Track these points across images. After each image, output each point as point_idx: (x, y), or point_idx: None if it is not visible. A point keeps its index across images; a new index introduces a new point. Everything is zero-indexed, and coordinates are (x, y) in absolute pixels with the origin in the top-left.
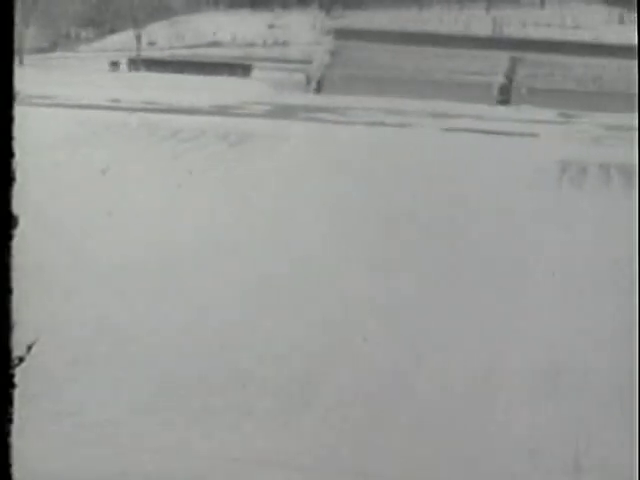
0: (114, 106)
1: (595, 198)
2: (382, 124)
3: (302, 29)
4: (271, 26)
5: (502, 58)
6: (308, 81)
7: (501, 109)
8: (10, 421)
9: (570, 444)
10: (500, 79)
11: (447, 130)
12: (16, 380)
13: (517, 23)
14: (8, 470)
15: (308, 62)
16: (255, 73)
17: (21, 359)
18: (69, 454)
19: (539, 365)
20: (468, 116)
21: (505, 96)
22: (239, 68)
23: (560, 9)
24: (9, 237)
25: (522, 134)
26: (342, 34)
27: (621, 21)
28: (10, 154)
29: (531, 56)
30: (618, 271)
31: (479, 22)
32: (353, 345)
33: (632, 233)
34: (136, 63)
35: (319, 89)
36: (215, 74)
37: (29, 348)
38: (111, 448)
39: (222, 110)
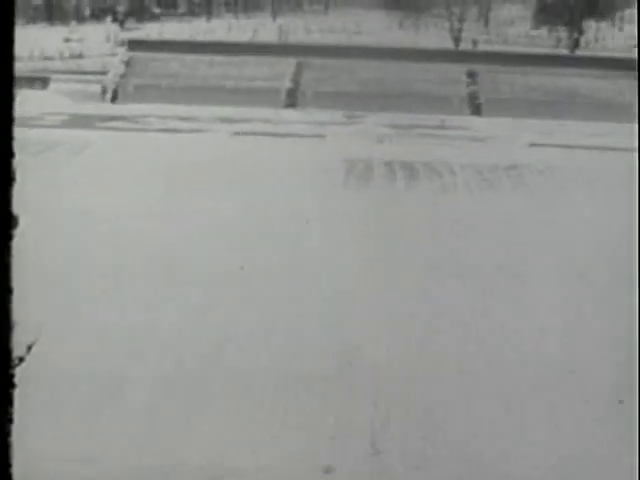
0: None
1: (380, 193)
2: (175, 130)
3: (97, 42)
4: (67, 40)
5: (289, 64)
6: (104, 91)
7: (288, 112)
8: (10, 421)
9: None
10: (287, 84)
11: (237, 134)
12: (16, 380)
13: (302, 30)
14: (8, 470)
15: (104, 73)
16: (53, 85)
17: (21, 359)
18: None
19: None
20: (257, 120)
21: (292, 100)
22: (38, 81)
23: (343, 15)
24: (9, 237)
25: (309, 135)
26: (135, 45)
27: (401, 26)
28: (10, 154)
29: (317, 61)
30: (400, 261)
31: (266, 30)
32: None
33: (413, 223)
34: None
35: (114, 99)
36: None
37: (29, 348)
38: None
39: (22, 122)
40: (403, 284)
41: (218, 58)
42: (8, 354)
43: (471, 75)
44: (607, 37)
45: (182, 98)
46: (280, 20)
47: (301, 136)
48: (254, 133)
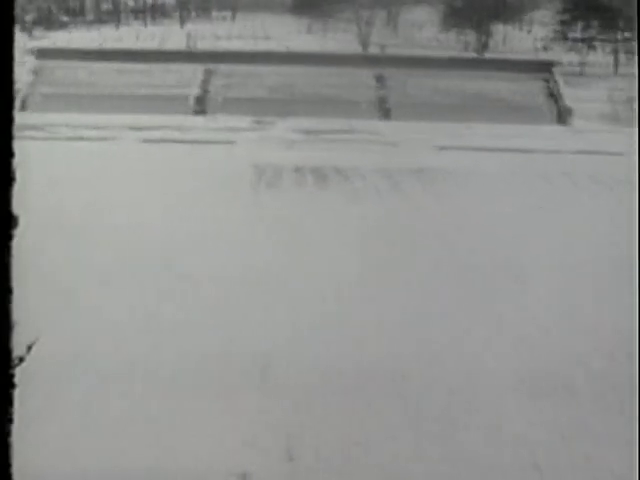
0: None
1: (290, 199)
2: (82, 138)
3: None
4: None
5: (197, 70)
6: None
7: (198, 119)
8: (10, 421)
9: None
10: (196, 90)
11: (146, 141)
12: (16, 380)
13: (210, 36)
14: (8, 470)
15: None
16: None
17: (21, 359)
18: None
19: None
20: (166, 127)
21: (201, 106)
22: None
23: (251, 21)
24: (9, 237)
25: (219, 142)
26: (43, 53)
27: (309, 31)
28: (10, 154)
29: (225, 67)
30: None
31: (174, 37)
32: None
33: (322, 229)
34: None
35: (23, 108)
36: None
37: (29, 348)
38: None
39: None
40: (308, 290)
41: (126, 66)
42: (8, 354)
43: (380, 79)
44: (515, 40)
45: (91, 106)
46: (188, 27)
47: (210, 142)
48: (163, 140)
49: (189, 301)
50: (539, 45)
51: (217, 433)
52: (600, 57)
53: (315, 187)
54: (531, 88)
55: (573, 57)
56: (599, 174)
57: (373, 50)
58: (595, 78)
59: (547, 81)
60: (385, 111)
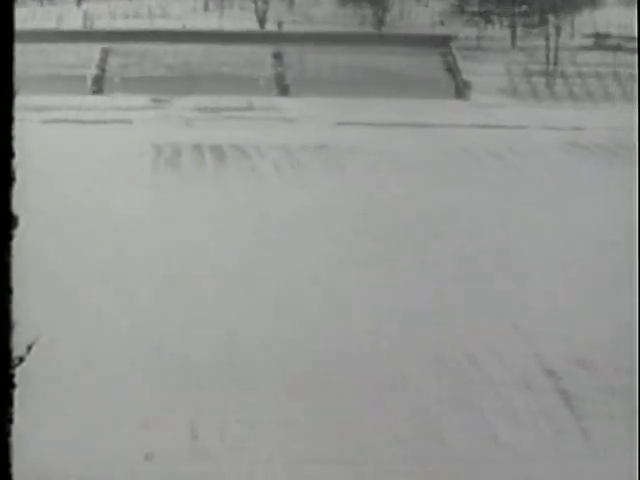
0: None
1: (189, 177)
2: None
3: None
4: None
5: (94, 50)
6: None
7: (95, 99)
8: (10, 421)
9: None
10: (93, 70)
11: (46, 122)
12: (16, 380)
13: (107, 16)
14: (8, 470)
15: None
16: None
17: (21, 359)
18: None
19: None
20: (65, 107)
21: (99, 86)
22: None
23: (147, 0)
24: (9, 237)
25: (117, 121)
26: None
27: (206, 9)
28: (10, 154)
29: (122, 46)
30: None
31: (71, 16)
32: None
33: (222, 206)
34: None
35: None
36: None
37: (29, 348)
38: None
39: None
40: (206, 267)
41: (24, 46)
42: (8, 354)
43: (277, 56)
44: (412, 14)
45: None
46: (85, 6)
47: (109, 122)
48: (64, 120)
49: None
50: (436, 19)
51: (120, 415)
52: (497, 31)
53: (214, 165)
54: (429, 63)
55: (471, 31)
56: (499, 148)
57: (270, 27)
58: (493, 52)
59: (445, 55)
60: (283, 88)
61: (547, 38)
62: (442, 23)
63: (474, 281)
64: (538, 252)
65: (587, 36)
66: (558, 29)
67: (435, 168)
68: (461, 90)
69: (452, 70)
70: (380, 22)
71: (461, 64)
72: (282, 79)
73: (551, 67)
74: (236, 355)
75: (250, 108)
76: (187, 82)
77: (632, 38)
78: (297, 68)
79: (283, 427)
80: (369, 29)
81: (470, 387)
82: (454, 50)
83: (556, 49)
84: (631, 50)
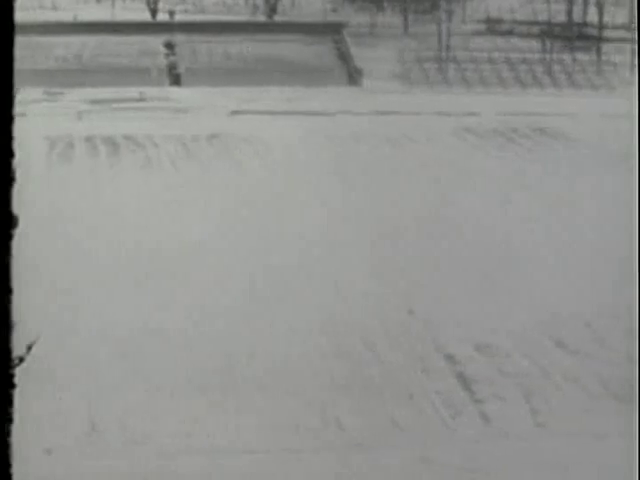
0: None
1: (82, 169)
2: None
3: None
4: None
5: None
6: None
7: None
8: (10, 421)
9: None
10: None
11: None
12: (16, 380)
13: None
14: (8, 470)
15: None
16: None
17: (21, 359)
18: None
19: None
20: None
21: None
22: None
23: None
24: (9, 237)
25: None
26: None
27: (98, 0)
28: (10, 154)
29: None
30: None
31: None
32: None
33: (116, 199)
34: None
35: None
36: None
37: (29, 348)
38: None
39: None
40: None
41: None
42: (8, 354)
43: (169, 46)
44: (304, 2)
45: None
46: None
47: None
48: None
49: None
50: (328, 7)
51: (24, 409)
52: (389, 17)
53: (108, 157)
54: (322, 50)
55: (363, 18)
56: (393, 134)
57: (162, 17)
58: (385, 38)
59: (337, 43)
60: (175, 77)
61: (439, 24)
62: (334, 10)
63: (368, 266)
64: (433, 237)
65: (479, 21)
66: (450, 14)
67: (327, 156)
68: (353, 77)
69: (344, 57)
70: (272, 10)
71: (353, 51)
72: (174, 69)
73: (443, 53)
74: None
75: (142, 99)
76: (80, 74)
77: (524, 22)
78: (189, 58)
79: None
80: (261, 18)
81: (367, 371)
82: (346, 37)
83: (448, 35)
84: (523, 35)
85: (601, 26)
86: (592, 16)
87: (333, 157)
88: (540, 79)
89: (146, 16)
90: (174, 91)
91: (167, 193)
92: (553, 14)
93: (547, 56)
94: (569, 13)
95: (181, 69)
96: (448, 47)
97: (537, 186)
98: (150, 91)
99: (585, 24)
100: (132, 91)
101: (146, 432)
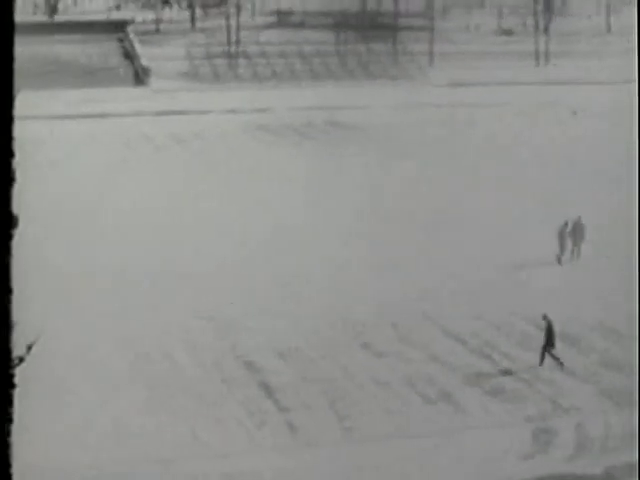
0: None
1: None
2: None
3: None
4: None
5: None
6: None
7: None
8: (10, 421)
9: None
10: None
11: None
12: (16, 380)
13: None
14: (8, 470)
15: None
16: None
17: (21, 359)
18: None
19: None
20: None
21: None
22: None
23: None
24: (9, 237)
25: None
26: None
27: None
28: (10, 154)
29: None
30: None
31: None
32: None
33: None
34: None
35: None
36: None
37: (29, 348)
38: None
39: None
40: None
41: None
42: (8, 354)
43: None
44: (86, 0)
45: None
46: None
47: None
48: None
49: None
50: (112, 4)
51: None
52: (176, 12)
53: None
54: (106, 49)
55: (148, 14)
56: (182, 134)
57: None
58: (172, 35)
59: (122, 41)
60: None
61: (227, 18)
62: (118, 8)
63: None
64: (228, 246)
65: (269, 14)
66: (239, 8)
67: (116, 158)
68: (140, 76)
69: (130, 56)
70: (53, 10)
71: (139, 49)
72: None
73: (233, 48)
74: None
75: None
76: None
77: (316, 13)
78: None
79: None
80: (41, 18)
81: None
82: (131, 35)
83: (237, 29)
84: (316, 26)
85: (396, 14)
86: (388, 4)
87: (119, 158)
88: (334, 71)
89: None
90: None
91: None
92: (347, 4)
93: (341, 48)
94: (363, 2)
95: None
96: (238, 42)
97: (331, 183)
98: None
99: (380, 13)
100: None
101: None
